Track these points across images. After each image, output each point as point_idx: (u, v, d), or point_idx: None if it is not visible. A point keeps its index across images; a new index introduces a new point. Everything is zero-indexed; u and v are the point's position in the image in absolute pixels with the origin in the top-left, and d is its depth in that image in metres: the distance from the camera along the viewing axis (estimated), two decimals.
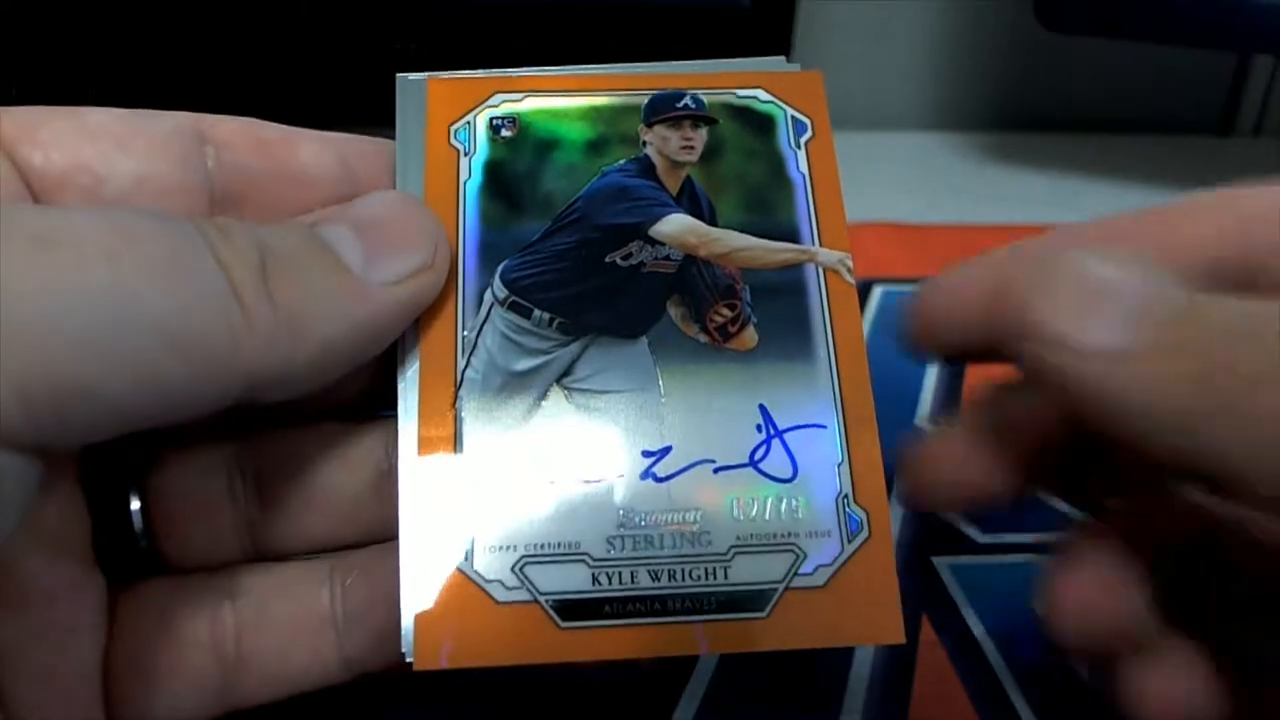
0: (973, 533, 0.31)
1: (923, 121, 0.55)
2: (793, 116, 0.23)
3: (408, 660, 0.18)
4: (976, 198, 0.47)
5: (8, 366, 0.14)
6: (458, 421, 0.20)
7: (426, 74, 0.23)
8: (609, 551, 0.19)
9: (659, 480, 0.19)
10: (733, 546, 0.19)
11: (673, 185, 0.22)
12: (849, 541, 0.19)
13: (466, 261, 0.21)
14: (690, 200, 0.22)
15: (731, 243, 0.22)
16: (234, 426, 0.21)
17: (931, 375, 0.36)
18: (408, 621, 0.18)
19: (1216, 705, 0.20)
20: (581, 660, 0.18)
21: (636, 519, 0.19)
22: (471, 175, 0.22)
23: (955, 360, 0.21)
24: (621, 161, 0.22)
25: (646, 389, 0.20)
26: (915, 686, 0.26)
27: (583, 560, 0.19)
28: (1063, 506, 0.23)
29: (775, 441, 0.20)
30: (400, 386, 0.20)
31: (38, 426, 0.14)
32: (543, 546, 0.19)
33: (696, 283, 0.21)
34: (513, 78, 0.23)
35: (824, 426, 0.20)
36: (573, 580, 0.19)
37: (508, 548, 0.19)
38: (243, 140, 0.21)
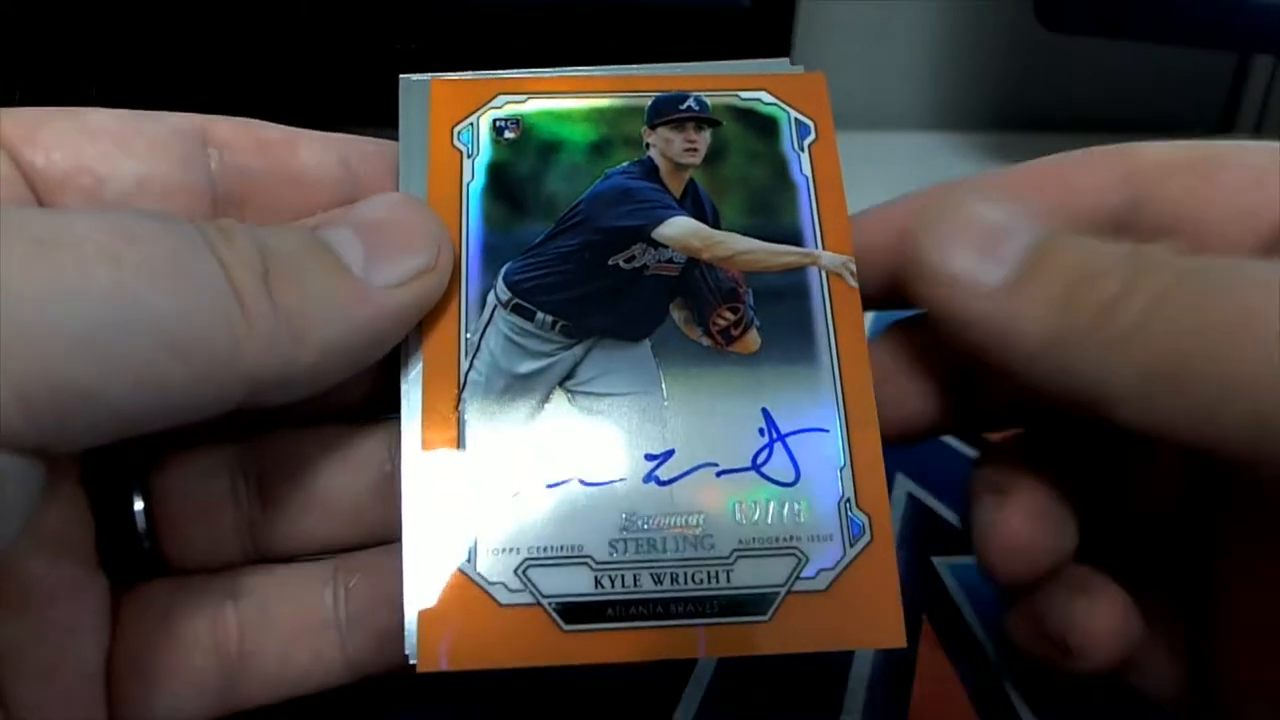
0: None
1: (923, 121, 0.55)
2: (796, 119, 0.23)
3: (411, 662, 0.18)
4: None
5: (8, 368, 0.14)
6: (461, 424, 0.20)
7: (430, 75, 0.22)
8: (612, 554, 0.19)
9: (661, 483, 0.19)
10: (735, 550, 0.19)
11: (676, 188, 0.22)
12: (851, 545, 0.19)
13: (470, 263, 0.21)
14: (693, 203, 0.22)
15: (734, 246, 0.22)
16: (237, 428, 0.21)
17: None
18: (410, 623, 0.18)
19: (1137, 631, 0.21)
20: (584, 663, 0.18)
21: (639, 522, 0.19)
22: (475, 177, 0.22)
23: (878, 304, 0.22)
24: (625, 164, 0.22)
25: (649, 392, 0.20)
26: (915, 686, 0.26)
27: (585, 563, 0.19)
28: None
29: (778, 445, 0.20)
30: (403, 388, 0.20)
31: (39, 429, 0.14)
32: (545, 549, 0.19)
33: (699, 286, 0.21)
34: (516, 79, 0.23)
35: (826, 430, 0.20)
36: (576, 583, 0.19)
37: (510, 550, 0.19)
38: (244, 141, 0.21)
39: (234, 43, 0.40)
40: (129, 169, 0.19)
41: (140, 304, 0.15)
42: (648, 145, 0.22)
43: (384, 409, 0.21)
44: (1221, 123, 0.56)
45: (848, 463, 0.20)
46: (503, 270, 0.21)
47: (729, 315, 0.21)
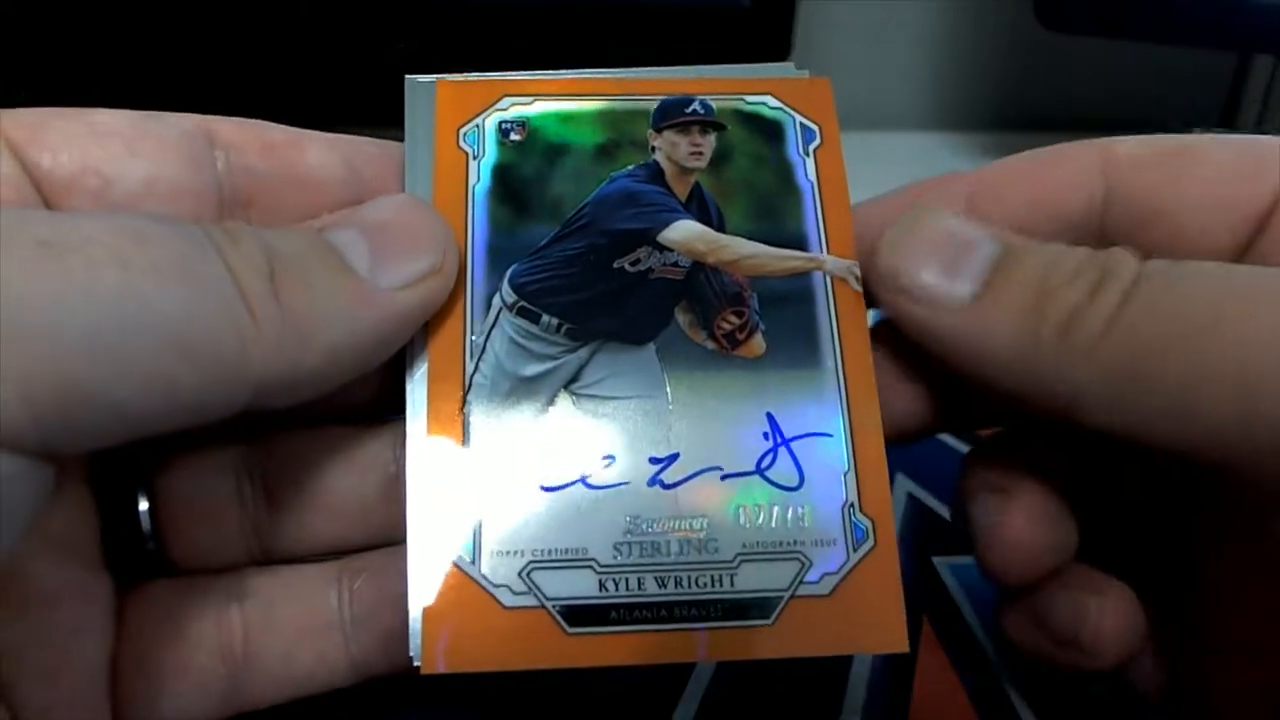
0: None
1: (923, 121, 0.55)
2: (801, 124, 0.23)
3: (415, 664, 0.18)
4: None
5: (15, 371, 0.14)
6: (465, 426, 0.20)
7: (435, 76, 0.22)
8: (616, 558, 0.19)
9: (666, 487, 0.19)
10: (739, 554, 0.19)
11: (681, 191, 0.22)
12: (854, 550, 0.19)
13: (475, 266, 0.21)
14: (699, 206, 0.22)
15: (740, 250, 0.22)
16: (243, 430, 0.21)
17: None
18: (414, 624, 0.18)
19: (1143, 628, 0.21)
20: (588, 666, 0.18)
21: (643, 525, 0.19)
22: (480, 179, 0.22)
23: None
24: (630, 167, 0.22)
25: (654, 395, 0.20)
26: (915, 686, 0.26)
27: (590, 566, 0.19)
28: None
29: (782, 449, 0.20)
30: (408, 390, 0.20)
31: (45, 431, 0.14)
32: (549, 552, 0.19)
33: (704, 290, 0.21)
34: (522, 81, 0.23)
35: (830, 435, 0.20)
36: (580, 586, 0.19)
37: (514, 553, 0.19)
38: (250, 142, 0.21)
39: (235, 42, 0.40)
40: (136, 170, 0.19)
41: (147, 307, 0.15)
42: (653, 148, 0.22)
43: (389, 410, 0.21)
44: (1222, 123, 0.56)
45: (851, 467, 0.20)
46: (508, 273, 0.21)
47: (734, 319, 0.21)
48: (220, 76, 0.43)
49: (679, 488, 0.20)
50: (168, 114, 0.20)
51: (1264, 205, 0.20)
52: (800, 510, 0.20)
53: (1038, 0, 0.45)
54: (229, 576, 0.21)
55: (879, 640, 0.19)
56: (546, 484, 0.19)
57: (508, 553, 0.19)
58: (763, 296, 0.21)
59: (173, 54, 0.40)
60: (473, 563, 0.19)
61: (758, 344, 0.21)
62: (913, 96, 0.55)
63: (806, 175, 0.22)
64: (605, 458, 0.20)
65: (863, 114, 0.53)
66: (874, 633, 0.19)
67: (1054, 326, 0.18)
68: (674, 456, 0.20)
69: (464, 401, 0.20)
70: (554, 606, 0.19)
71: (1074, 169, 0.21)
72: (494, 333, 0.20)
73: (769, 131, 0.23)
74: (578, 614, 0.19)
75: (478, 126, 0.22)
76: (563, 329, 0.21)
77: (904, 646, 0.19)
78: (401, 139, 0.22)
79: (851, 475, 0.20)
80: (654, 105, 0.23)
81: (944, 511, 0.32)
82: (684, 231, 0.22)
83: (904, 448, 0.23)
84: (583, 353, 0.21)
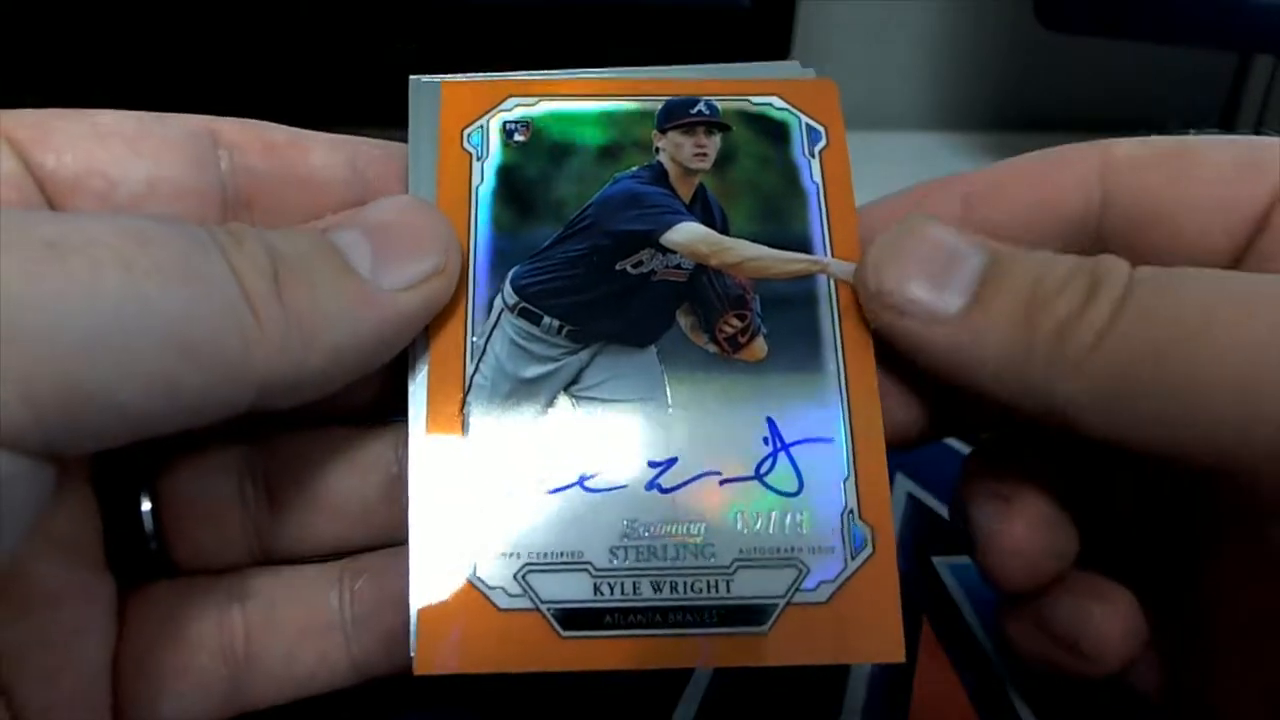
0: None
1: (923, 121, 0.55)
2: (807, 125, 0.23)
3: (413, 665, 0.18)
4: None
5: (18, 372, 0.14)
6: (465, 427, 0.20)
7: (440, 76, 0.22)
8: (612, 561, 0.19)
9: (664, 491, 0.19)
10: (735, 560, 0.19)
11: (685, 193, 0.22)
12: (853, 558, 0.19)
13: (477, 267, 0.21)
14: (703, 208, 0.22)
15: (743, 252, 0.21)
16: (245, 430, 0.21)
17: None
18: (412, 625, 0.18)
19: (1145, 633, 0.21)
20: (581, 670, 0.18)
21: (640, 529, 0.19)
22: (484, 180, 0.21)
23: None
24: (634, 168, 0.22)
25: (654, 398, 0.20)
26: (915, 686, 0.26)
27: (585, 569, 0.19)
28: None
29: (782, 455, 0.20)
30: (410, 391, 0.20)
31: (48, 432, 0.14)
32: (545, 555, 0.19)
33: (707, 292, 0.21)
34: (527, 81, 0.23)
35: (831, 440, 0.20)
36: (574, 589, 0.19)
37: (511, 555, 0.19)
38: (254, 143, 0.21)
39: (235, 43, 0.40)
40: (140, 171, 0.19)
41: (151, 307, 0.15)
42: (657, 149, 0.22)
43: (392, 412, 0.21)
44: (1222, 123, 0.56)
45: (851, 474, 0.20)
46: (510, 274, 0.21)
47: (736, 322, 0.21)
48: (221, 76, 0.43)
49: (677, 492, 0.19)
50: (171, 115, 0.20)
51: (1263, 205, 0.20)
52: (799, 516, 0.19)
53: (1038, 0, 0.45)
54: (230, 577, 0.21)
55: (875, 650, 0.19)
56: (545, 486, 0.19)
57: (504, 554, 0.19)
58: (765, 299, 0.21)
59: (174, 54, 0.40)
60: (470, 564, 0.19)
61: (759, 347, 0.21)
62: (913, 96, 0.55)
63: (812, 177, 0.22)
64: (604, 460, 0.20)
65: (863, 114, 0.53)
66: (871, 642, 0.19)
67: (1045, 336, 0.18)
68: (673, 460, 0.20)
69: (464, 402, 0.20)
70: (549, 609, 0.19)
71: (1072, 171, 0.21)
72: (495, 334, 0.20)
73: (774, 133, 0.23)
74: (572, 617, 0.19)
75: (482, 127, 0.22)
76: (564, 331, 0.21)
77: (900, 657, 0.19)
78: (402, 138, 0.22)
79: (851, 482, 0.20)
80: (658, 106, 0.23)
81: (944, 511, 0.32)
82: (687, 234, 0.21)
83: (904, 452, 0.23)
84: (583, 355, 0.20)
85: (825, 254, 0.21)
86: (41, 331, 0.14)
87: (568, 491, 0.19)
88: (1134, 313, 0.17)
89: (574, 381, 0.20)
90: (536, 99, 0.22)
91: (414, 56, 0.41)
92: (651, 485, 0.19)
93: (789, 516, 0.19)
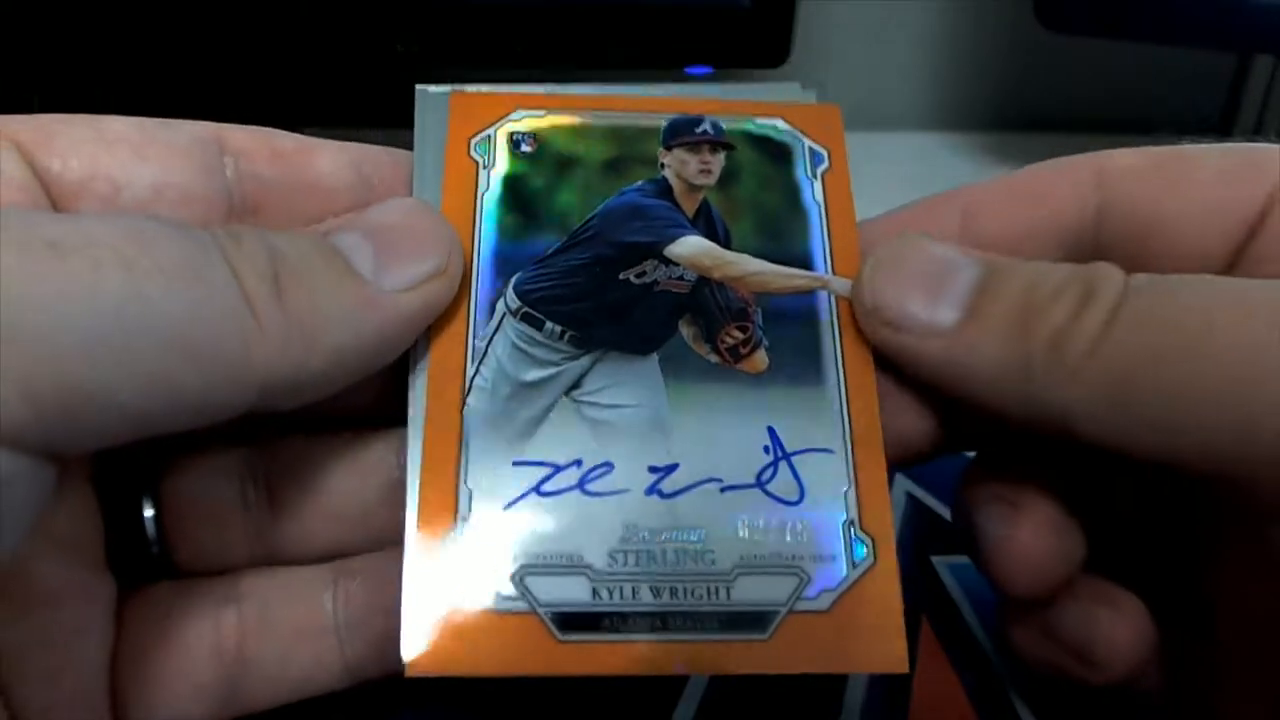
0: None
1: (923, 121, 0.55)
2: (810, 147, 0.23)
3: (404, 665, 0.18)
4: None
5: (19, 370, 0.14)
6: (464, 428, 0.19)
7: (448, 87, 0.23)
8: (611, 565, 0.19)
9: (664, 496, 0.19)
10: (736, 566, 0.19)
11: (689, 207, 0.22)
12: (854, 567, 0.19)
13: (481, 271, 0.21)
14: (706, 223, 0.22)
15: (745, 267, 0.22)
16: (247, 432, 0.21)
17: None
18: (404, 626, 0.18)
19: (1155, 640, 0.21)
20: (578, 674, 0.18)
21: (640, 534, 0.19)
22: (489, 187, 0.22)
23: None
24: (639, 182, 0.22)
25: (655, 405, 0.20)
26: (915, 686, 0.26)
27: (584, 573, 0.19)
28: None
29: (783, 464, 0.20)
30: (410, 392, 0.20)
31: (48, 431, 0.14)
32: (544, 557, 0.19)
33: (709, 303, 0.21)
34: (535, 95, 0.23)
35: (832, 451, 0.20)
36: (572, 592, 0.18)
37: (508, 557, 0.19)
38: (260, 149, 0.21)
39: (236, 43, 0.40)
40: (145, 176, 0.19)
41: (151, 308, 0.15)
42: (662, 165, 0.22)
43: (394, 415, 0.20)
44: (1221, 123, 0.56)
45: (852, 485, 0.20)
46: (513, 280, 0.21)
47: (738, 334, 0.21)
48: (222, 77, 0.43)
49: (677, 498, 0.19)
50: (178, 121, 0.20)
51: (1257, 209, 0.20)
52: (800, 525, 0.19)
53: (1038, 1, 0.45)
54: (225, 579, 0.21)
55: (877, 660, 0.19)
56: (543, 489, 0.19)
57: (501, 556, 0.19)
58: (767, 313, 0.21)
59: (175, 54, 0.40)
60: (466, 565, 0.18)
61: (760, 359, 0.21)
62: (913, 96, 0.55)
63: (814, 197, 0.22)
64: (603, 465, 0.19)
65: (863, 114, 0.53)
66: (872, 651, 0.19)
67: (1041, 346, 0.18)
68: (673, 466, 0.19)
69: (463, 404, 0.20)
70: (546, 612, 0.18)
71: (1068, 183, 0.21)
72: (497, 337, 0.20)
73: (777, 153, 0.23)
74: (570, 620, 0.18)
75: (489, 137, 0.22)
76: (566, 336, 0.21)
77: (904, 667, 0.18)
78: (406, 138, 0.22)
79: (852, 492, 0.20)
80: (664, 123, 0.23)
81: (944, 512, 0.32)
82: (690, 247, 0.22)
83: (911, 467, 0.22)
84: (585, 360, 0.20)
85: (826, 271, 0.22)
86: (42, 331, 0.14)
87: (567, 495, 0.19)
88: (1129, 320, 0.17)
89: (575, 386, 0.20)
90: (544, 112, 0.23)
91: (417, 57, 0.41)
92: (652, 490, 0.19)
93: (790, 525, 0.19)
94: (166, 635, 0.20)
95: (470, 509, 0.19)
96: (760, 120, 0.23)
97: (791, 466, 0.20)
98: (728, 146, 0.23)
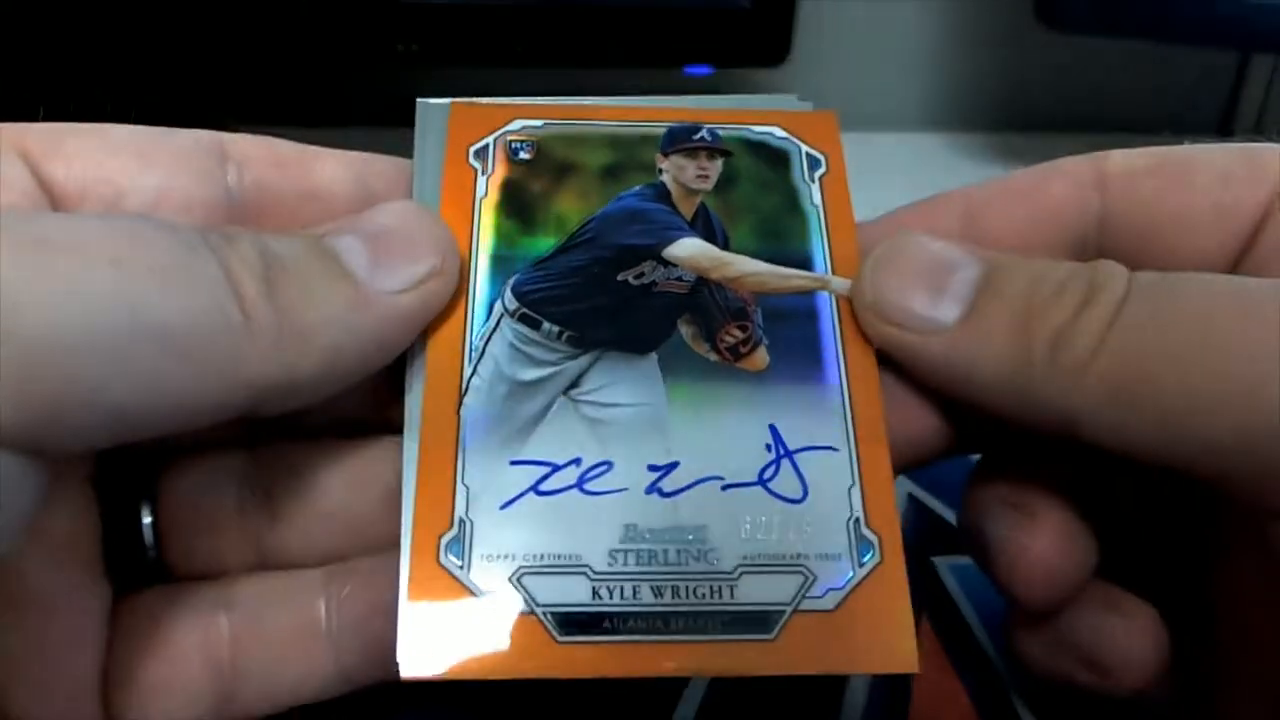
0: None
1: (923, 121, 0.55)
2: (808, 152, 0.23)
3: (399, 670, 0.17)
4: None
5: (7, 369, 0.13)
6: (461, 427, 0.19)
7: (448, 100, 0.23)
8: (611, 565, 0.18)
9: (665, 495, 0.19)
10: (739, 565, 0.18)
11: (687, 211, 0.22)
12: (860, 566, 0.19)
13: (478, 274, 0.21)
14: (704, 226, 0.22)
15: (744, 267, 0.21)
16: (246, 439, 0.21)
17: None
18: (402, 630, 0.18)
19: (1168, 648, 0.20)
20: (578, 677, 0.18)
21: (641, 533, 0.19)
22: (487, 192, 0.22)
23: None
24: (637, 187, 0.22)
25: (654, 403, 0.20)
26: (915, 686, 0.26)
27: (583, 573, 0.18)
28: None
29: (785, 461, 0.19)
30: (407, 393, 0.19)
31: (36, 430, 0.14)
32: (542, 557, 0.18)
33: (708, 303, 0.21)
34: (534, 106, 0.23)
35: (835, 449, 0.19)
36: (572, 592, 0.18)
37: (506, 557, 0.18)
38: (262, 157, 0.21)
39: (236, 44, 0.40)
40: (148, 183, 0.19)
41: (141, 306, 0.15)
42: (660, 171, 0.22)
43: (394, 423, 0.20)
44: (1221, 122, 0.56)
45: (857, 482, 0.19)
46: (511, 281, 0.21)
47: (737, 333, 0.21)
48: (222, 77, 0.43)
49: (678, 496, 0.19)
50: (181, 130, 0.20)
51: (1259, 210, 0.19)
52: (804, 523, 0.19)
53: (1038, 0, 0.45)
54: (218, 584, 0.20)
55: (887, 659, 0.18)
56: (541, 488, 0.19)
57: (499, 557, 0.18)
58: (767, 312, 0.21)
59: (176, 55, 0.40)
60: (462, 566, 0.18)
61: (761, 358, 0.20)
62: (913, 96, 0.55)
63: (812, 200, 0.22)
64: (602, 464, 0.19)
65: (863, 114, 0.53)
66: (882, 652, 0.18)
67: (1043, 345, 0.17)
68: (673, 465, 0.19)
69: (460, 404, 0.19)
70: (545, 613, 0.18)
71: (1069, 184, 0.21)
72: (494, 338, 0.20)
73: (775, 158, 0.23)
74: (569, 621, 0.18)
75: (487, 144, 0.22)
76: (564, 336, 0.20)
77: (913, 666, 0.18)
78: (404, 139, 0.22)
79: (857, 490, 0.19)
80: (662, 131, 0.23)
81: (944, 511, 0.32)
82: (689, 248, 0.22)
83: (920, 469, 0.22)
84: (583, 360, 0.20)
85: (826, 271, 0.21)
86: (30, 329, 0.14)
87: (565, 494, 0.19)
88: (1131, 319, 0.17)
89: (573, 386, 0.20)
90: (542, 122, 0.23)
91: (416, 57, 0.41)
92: (652, 489, 0.19)
93: (794, 523, 0.19)
94: (159, 641, 0.19)
95: (468, 509, 0.19)
96: (757, 128, 0.23)
97: (794, 464, 0.19)
98: (725, 152, 0.23)
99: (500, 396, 0.20)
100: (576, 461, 0.19)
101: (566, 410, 0.20)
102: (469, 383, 0.20)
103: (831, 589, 0.18)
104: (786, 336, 0.21)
